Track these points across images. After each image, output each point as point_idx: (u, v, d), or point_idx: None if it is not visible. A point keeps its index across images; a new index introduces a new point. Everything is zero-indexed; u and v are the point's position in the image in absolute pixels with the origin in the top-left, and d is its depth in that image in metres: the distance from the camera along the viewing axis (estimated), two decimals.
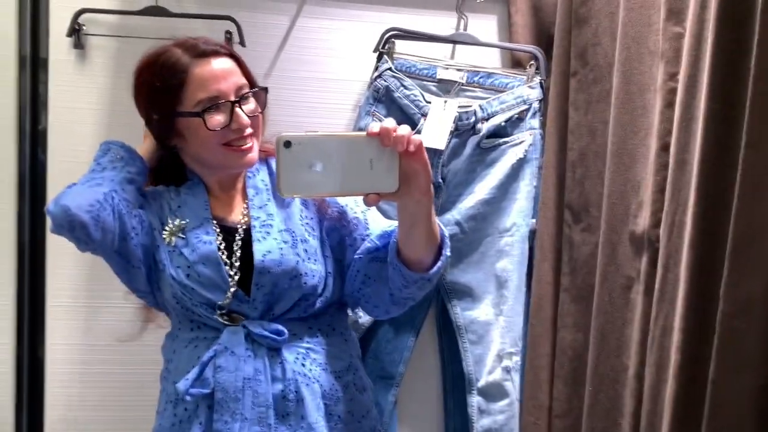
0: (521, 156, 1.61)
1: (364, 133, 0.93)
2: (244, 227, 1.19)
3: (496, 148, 1.61)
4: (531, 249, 1.64)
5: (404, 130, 0.93)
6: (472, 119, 1.59)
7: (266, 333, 1.15)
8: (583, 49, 1.50)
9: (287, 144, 0.91)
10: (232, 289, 1.15)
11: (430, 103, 1.59)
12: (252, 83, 1.21)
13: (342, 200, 1.23)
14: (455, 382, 1.68)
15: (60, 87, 1.59)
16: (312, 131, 0.93)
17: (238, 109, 1.15)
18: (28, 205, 1.59)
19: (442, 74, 1.62)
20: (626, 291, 1.34)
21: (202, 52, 1.15)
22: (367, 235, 1.21)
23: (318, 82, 1.65)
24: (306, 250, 1.18)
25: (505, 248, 1.61)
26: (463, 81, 1.62)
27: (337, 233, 1.23)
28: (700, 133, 1.09)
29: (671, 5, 1.24)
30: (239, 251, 1.17)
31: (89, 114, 1.59)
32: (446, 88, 1.63)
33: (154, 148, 1.24)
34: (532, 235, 1.63)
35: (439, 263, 1.11)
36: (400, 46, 1.62)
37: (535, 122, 1.62)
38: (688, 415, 1.09)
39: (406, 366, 1.65)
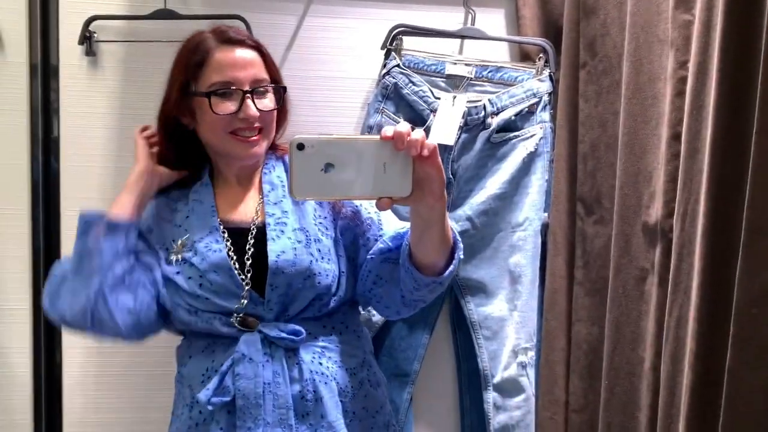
0: (532, 150, 1.60)
1: (378, 136, 0.92)
2: (257, 226, 1.19)
3: (506, 143, 1.60)
4: (544, 243, 1.63)
5: (418, 134, 0.92)
6: (482, 114, 1.58)
7: (283, 335, 1.15)
8: (591, 40, 1.49)
9: (300, 146, 0.90)
10: (247, 293, 1.15)
11: (439, 99, 1.58)
12: (275, 81, 1.22)
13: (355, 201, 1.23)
14: (470, 379, 1.67)
15: (71, 93, 1.59)
16: (326, 134, 0.93)
17: (248, 100, 1.16)
18: (42, 209, 1.60)
19: (450, 69, 1.62)
20: (640, 283, 1.33)
21: (228, 38, 1.19)
22: (380, 236, 1.21)
23: (326, 80, 1.65)
24: (319, 250, 1.18)
25: (517, 243, 1.60)
26: (472, 76, 1.62)
27: (350, 232, 1.23)
28: (711, 120, 1.08)
29: None
30: (251, 250, 1.18)
31: (101, 119, 1.60)
32: (455, 83, 1.62)
33: (148, 154, 1.25)
34: (545, 229, 1.62)
35: (451, 267, 1.11)
36: (408, 42, 1.62)
37: (546, 115, 1.61)
38: (705, 405, 1.08)
39: (421, 363, 1.64)
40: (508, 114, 1.59)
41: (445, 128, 1.57)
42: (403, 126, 0.92)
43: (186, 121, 1.22)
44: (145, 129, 1.27)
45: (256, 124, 1.18)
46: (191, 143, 1.24)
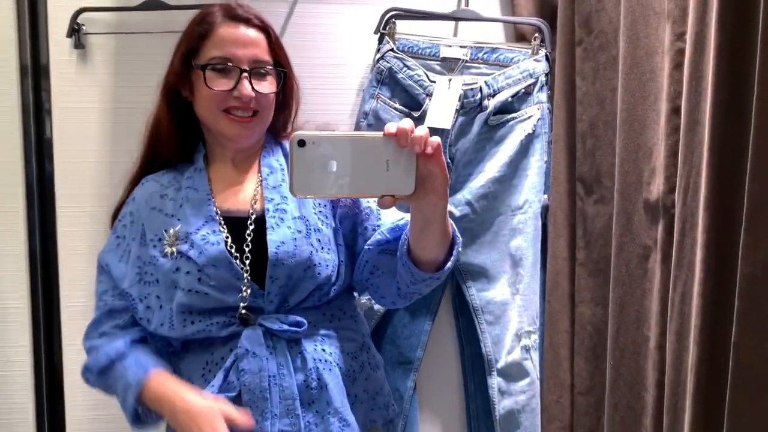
0: (530, 131, 1.58)
1: (381, 133, 0.90)
2: (256, 214, 1.17)
3: (504, 125, 1.58)
4: (544, 225, 1.61)
5: (422, 131, 0.90)
6: (478, 96, 1.56)
7: (285, 327, 1.13)
8: (587, 16, 1.47)
9: (301, 143, 0.88)
10: (247, 285, 1.14)
11: (434, 82, 1.56)
12: (279, 64, 1.21)
13: None
14: (474, 364, 1.66)
15: (62, 88, 1.59)
16: (327, 130, 0.91)
17: (245, 80, 1.15)
18: (38, 207, 1.60)
19: (445, 52, 1.60)
20: (643, 261, 1.31)
21: (235, 15, 1.18)
22: (378, 226, 1.19)
23: (320, 67, 1.63)
24: (319, 240, 1.16)
25: (518, 226, 1.59)
26: (467, 58, 1.60)
27: (349, 221, 1.22)
28: (710, 91, 1.06)
29: None
30: (250, 240, 1.16)
31: (93, 113, 1.59)
32: (450, 66, 1.60)
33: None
34: (545, 210, 1.60)
35: (449, 263, 1.09)
36: (402, 26, 1.60)
37: (543, 96, 1.59)
38: (711, 380, 1.06)
39: (424, 350, 1.63)
40: (504, 95, 1.57)
41: (441, 112, 1.55)
42: (407, 122, 0.90)
43: (185, 93, 1.21)
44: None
45: (252, 104, 1.16)
46: (190, 120, 1.23)
